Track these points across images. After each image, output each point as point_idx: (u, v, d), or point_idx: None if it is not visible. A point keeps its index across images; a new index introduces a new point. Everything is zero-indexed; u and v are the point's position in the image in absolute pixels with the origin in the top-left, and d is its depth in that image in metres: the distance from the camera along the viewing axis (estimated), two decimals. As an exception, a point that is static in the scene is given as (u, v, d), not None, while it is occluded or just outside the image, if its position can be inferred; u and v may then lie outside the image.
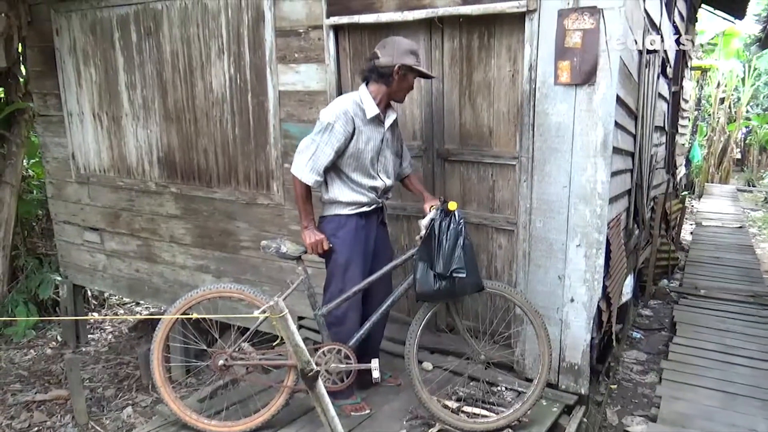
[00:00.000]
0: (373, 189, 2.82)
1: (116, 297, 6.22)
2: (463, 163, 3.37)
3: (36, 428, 4.08)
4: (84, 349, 5.26)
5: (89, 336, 5.50)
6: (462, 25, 3.14)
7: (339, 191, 2.77)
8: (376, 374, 2.69)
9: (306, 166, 2.63)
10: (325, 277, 2.88)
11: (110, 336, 5.58)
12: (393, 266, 2.84)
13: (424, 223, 2.70)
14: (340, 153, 2.69)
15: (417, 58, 2.70)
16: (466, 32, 3.15)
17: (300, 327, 3.70)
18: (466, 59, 3.19)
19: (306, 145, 2.66)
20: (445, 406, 2.86)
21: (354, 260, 2.79)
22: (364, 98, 2.70)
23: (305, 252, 2.73)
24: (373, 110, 2.70)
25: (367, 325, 2.81)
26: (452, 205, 2.65)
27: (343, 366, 2.72)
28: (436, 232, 2.62)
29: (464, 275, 2.59)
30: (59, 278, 5.44)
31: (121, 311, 6.20)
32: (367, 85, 2.75)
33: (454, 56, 3.23)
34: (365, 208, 2.82)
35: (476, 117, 3.25)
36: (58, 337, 5.44)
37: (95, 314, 6.02)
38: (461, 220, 2.64)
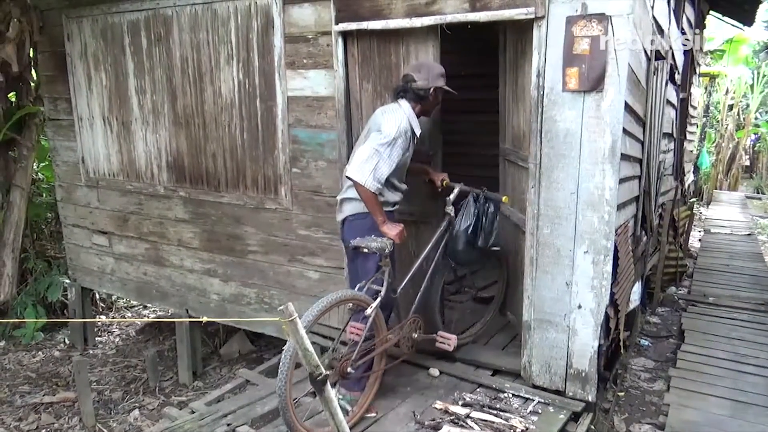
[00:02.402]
0: (402, 191, 3.18)
1: (124, 300, 6.25)
2: (511, 163, 3.55)
3: (44, 430, 4.10)
4: (92, 352, 5.28)
5: (97, 339, 5.53)
6: (512, 34, 3.28)
7: (388, 193, 3.07)
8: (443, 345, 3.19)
9: (370, 175, 2.81)
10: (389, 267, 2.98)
11: (118, 339, 5.60)
12: (435, 242, 3.26)
13: (451, 198, 3.26)
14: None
15: (445, 79, 3.07)
16: (516, 40, 3.26)
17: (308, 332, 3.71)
18: (515, 66, 3.33)
19: (369, 155, 2.84)
20: (453, 412, 2.86)
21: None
22: (411, 117, 3.00)
23: (394, 244, 2.89)
24: (418, 128, 3.05)
25: (407, 277, 3.16)
26: (505, 199, 3.26)
27: (422, 333, 3.19)
28: (475, 212, 3.16)
29: (499, 248, 3.27)
30: (68, 281, 5.47)
31: (129, 314, 6.23)
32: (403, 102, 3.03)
33: (511, 62, 3.39)
34: (397, 206, 3.20)
35: (518, 121, 3.34)
36: (66, 340, 5.47)
37: (103, 317, 6.05)
38: (494, 205, 3.20)
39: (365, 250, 2.83)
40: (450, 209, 3.28)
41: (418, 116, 3.05)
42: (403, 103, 3.01)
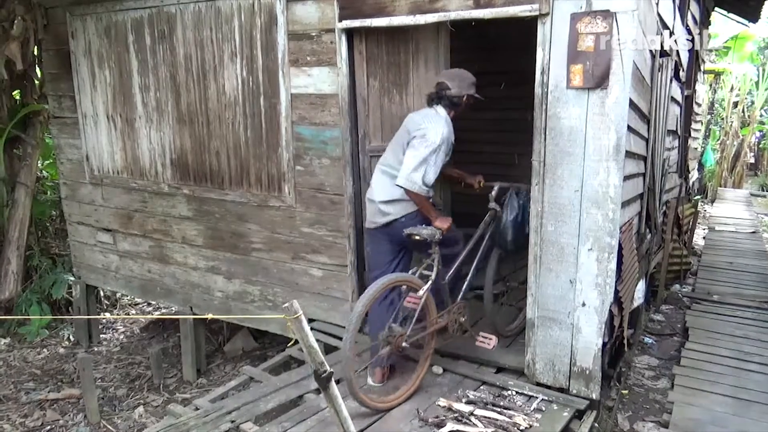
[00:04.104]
0: (433, 186, 3.34)
1: (128, 297, 6.27)
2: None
3: (49, 427, 4.12)
4: (96, 349, 5.31)
5: (101, 336, 5.55)
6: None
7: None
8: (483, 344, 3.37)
9: (419, 180, 3.05)
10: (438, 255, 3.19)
11: (122, 336, 5.62)
12: (480, 235, 3.49)
13: (493, 195, 3.47)
14: None
15: (475, 87, 3.27)
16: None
17: (311, 329, 3.71)
18: None
19: (418, 163, 3.05)
20: (456, 410, 2.86)
21: None
22: (449, 123, 3.19)
23: (442, 233, 3.12)
24: (453, 134, 3.22)
25: (456, 263, 3.37)
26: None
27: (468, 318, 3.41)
28: (519, 204, 3.34)
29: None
30: (72, 278, 5.49)
31: (133, 311, 6.25)
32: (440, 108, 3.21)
33: None
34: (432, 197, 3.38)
35: None
36: (71, 337, 5.49)
37: (107, 314, 6.07)
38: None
39: (417, 237, 3.05)
40: (494, 205, 3.47)
41: None
42: (441, 110, 3.20)
